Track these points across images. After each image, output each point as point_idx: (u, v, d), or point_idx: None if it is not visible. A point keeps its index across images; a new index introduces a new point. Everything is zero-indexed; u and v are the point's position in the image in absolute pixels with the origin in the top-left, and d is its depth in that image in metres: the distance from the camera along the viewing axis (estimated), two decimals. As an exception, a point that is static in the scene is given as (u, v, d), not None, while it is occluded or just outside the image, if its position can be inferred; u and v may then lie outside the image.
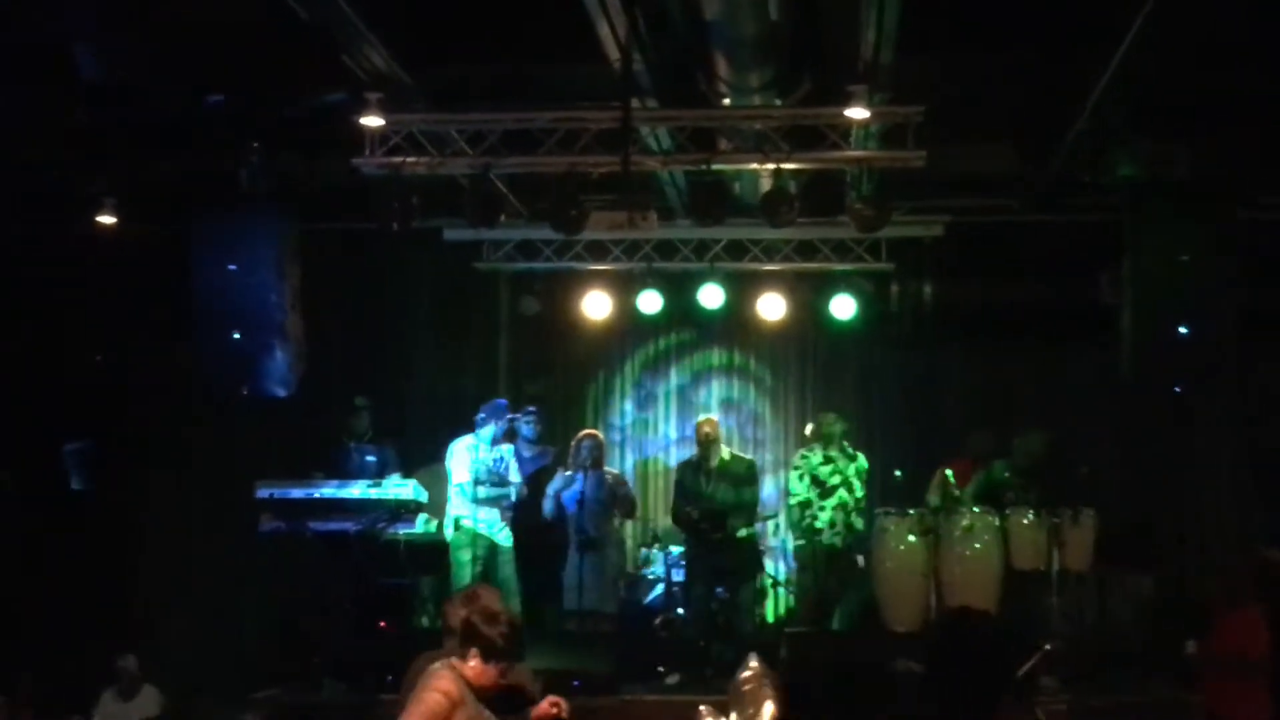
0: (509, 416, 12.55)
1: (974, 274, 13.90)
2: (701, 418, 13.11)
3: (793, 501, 12.74)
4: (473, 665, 6.17)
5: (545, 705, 6.76)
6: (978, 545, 11.78)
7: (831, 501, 12.53)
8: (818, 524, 12.52)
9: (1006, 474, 12.32)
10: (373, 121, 10.98)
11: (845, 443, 12.73)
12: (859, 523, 12.61)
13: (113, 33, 9.83)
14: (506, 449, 12.43)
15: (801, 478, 12.66)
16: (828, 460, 12.63)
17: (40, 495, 13.06)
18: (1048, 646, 6.65)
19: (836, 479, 12.55)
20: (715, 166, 11.30)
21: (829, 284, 14.10)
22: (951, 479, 12.18)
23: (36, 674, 11.56)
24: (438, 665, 6.22)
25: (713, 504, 12.21)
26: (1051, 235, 13.20)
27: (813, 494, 12.57)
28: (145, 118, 11.31)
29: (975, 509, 11.94)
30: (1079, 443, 13.38)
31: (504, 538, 12.29)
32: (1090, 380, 13.75)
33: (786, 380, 15.30)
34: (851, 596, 12.48)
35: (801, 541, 12.76)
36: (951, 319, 13.98)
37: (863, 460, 12.73)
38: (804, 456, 12.87)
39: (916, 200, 12.81)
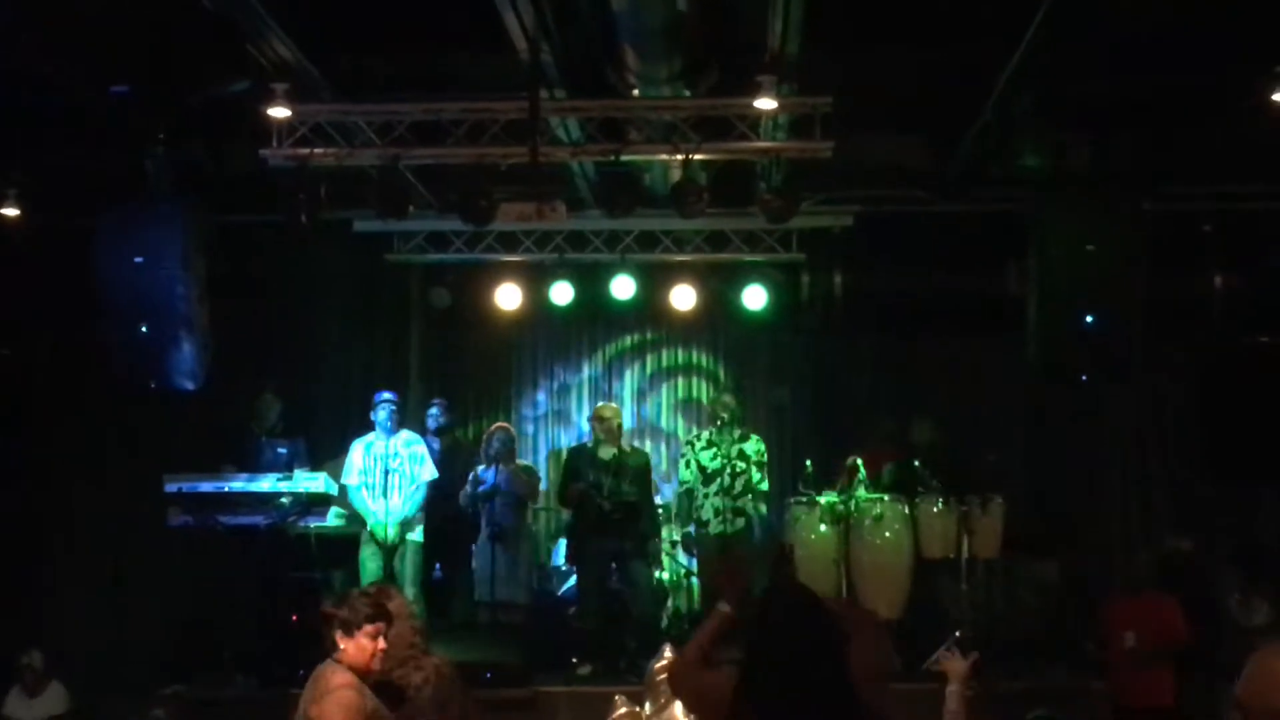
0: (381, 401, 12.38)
1: (883, 264, 13.98)
2: (601, 404, 13.08)
3: (680, 490, 12.70)
4: (344, 649, 6.22)
5: None
6: (888, 534, 11.88)
7: (714, 488, 12.41)
8: (703, 514, 12.47)
9: (917, 464, 12.42)
10: (279, 112, 10.91)
11: (734, 424, 12.65)
12: (755, 509, 12.47)
13: (13, 20, 9.69)
14: (406, 442, 12.31)
15: (688, 464, 12.59)
16: (710, 444, 12.57)
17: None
18: (958, 634, 6.68)
19: (719, 463, 12.44)
20: (625, 157, 11.33)
21: (740, 274, 14.16)
22: (861, 468, 12.24)
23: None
24: (322, 666, 6.26)
25: (605, 495, 12.08)
26: (959, 226, 13.29)
27: (697, 482, 12.53)
28: (48, 108, 11.17)
29: (885, 497, 12.02)
30: (987, 431, 13.52)
31: (408, 532, 12.18)
32: (998, 369, 13.87)
33: (698, 370, 15.35)
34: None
35: (688, 529, 12.76)
36: (861, 309, 14.05)
37: (755, 443, 12.60)
38: (688, 443, 12.89)
39: (826, 191, 12.88)
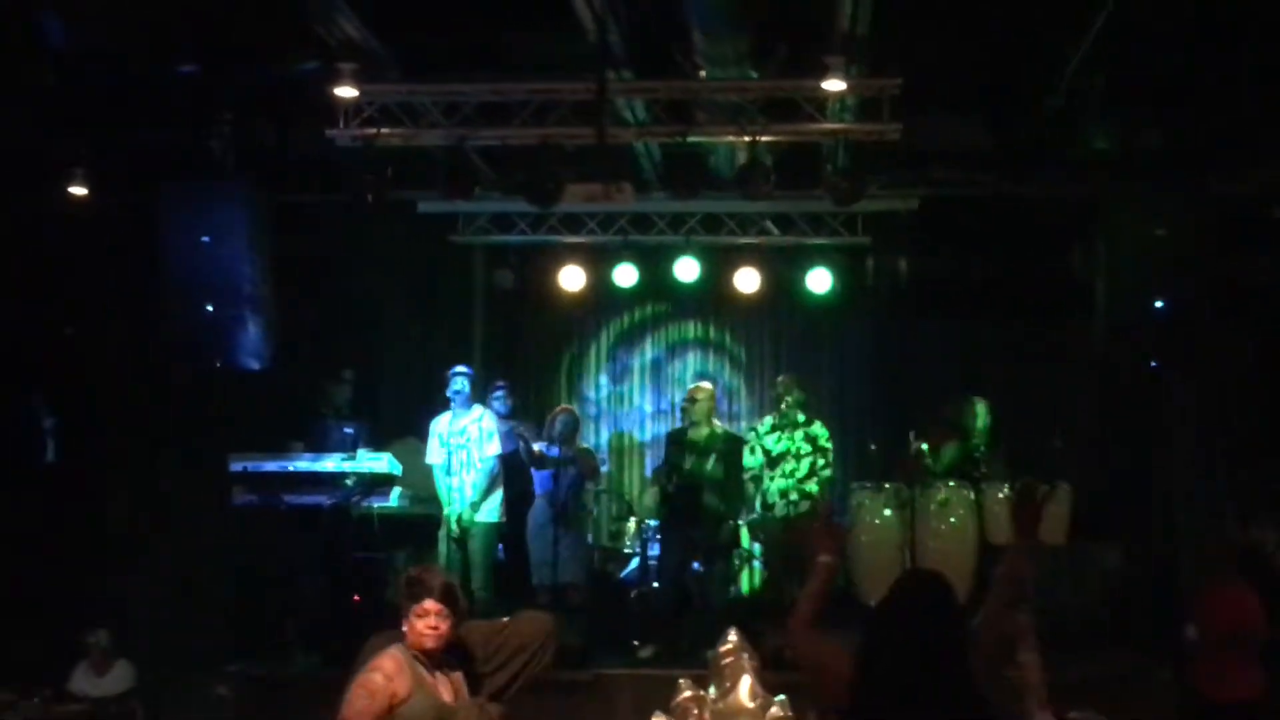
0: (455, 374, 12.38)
1: (949, 247, 13.90)
2: (693, 385, 12.99)
3: (747, 475, 12.64)
4: (404, 630, 6.28)
5: None
6: (953, 519, 11.80)
7: (779, 473, 12.39)
8: (769, 497, 12.44)
9: (981, 447, 12.33)
10: (346, 92, 10.94)
11: (798, 409, 12.59)
12: (819, 491, 12.35)
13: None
14: (477, 419, 12.30)
15: (753, 450, 12.55)
16: (775, 429, 12.53)
17: (12, 469, 12.96)
18: (1022, 617, 6.63)
19: (784, 447, 12.41)
20: (691, 139, 11.29)
21: (805, 257, 14.11)
22: (926, 452, 12.16)
23: (7, 650, 11.49)
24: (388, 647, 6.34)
25: (693, 477, 12.07)
26: (1027, 209, 13.17)
27: (762, 467, 12.49)
28: (116, 87, 11.22)
29: (950, 483, 11.95)
30: (1054, 416, 13.40)
31: (476, 514, 12.18)
32: (1065, 354, 13.75)
33: (761, 354, 15.30)
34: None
35: (754, 516, 12.72)
36: (927, 293, 13.98)
37: (819, 427, 12.56)
38: (753, 428, 12.84)
39: (892, 174, 12.78)
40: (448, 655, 6.42)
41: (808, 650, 5.47)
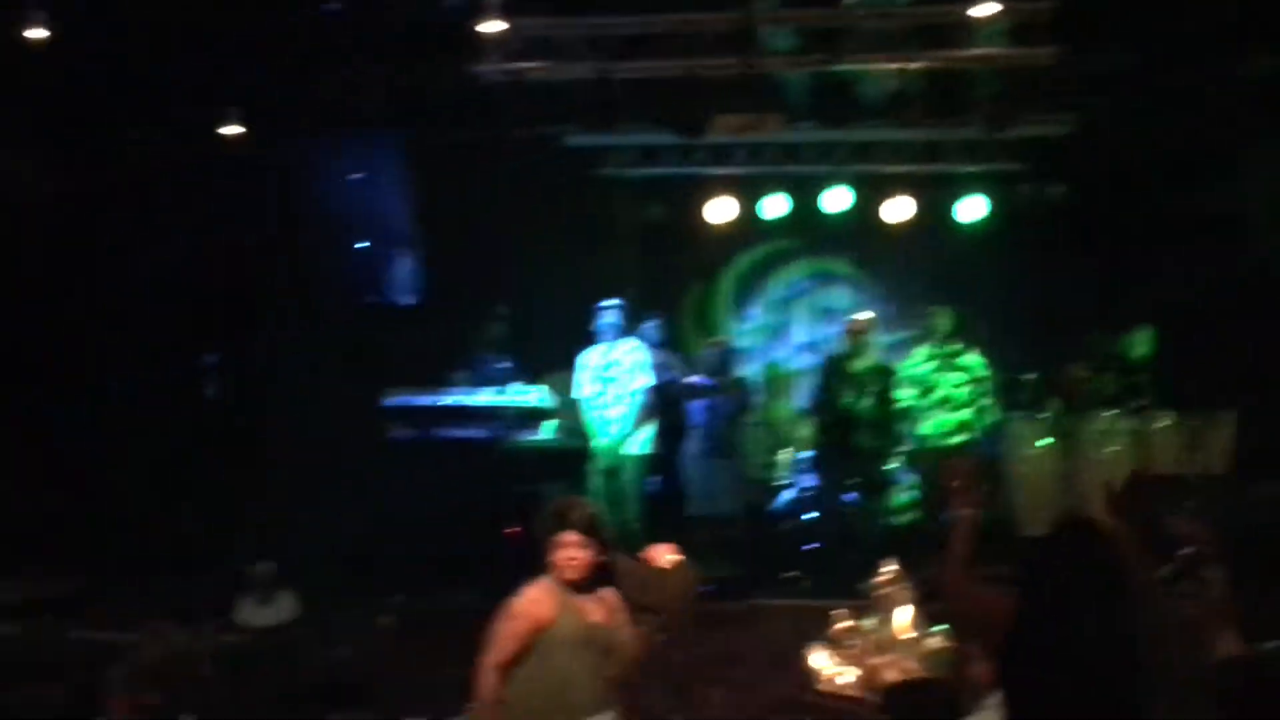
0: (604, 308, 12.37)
1: (1103, 175, 13.62)
2: (855, 315, 12.89)
3: (901, 406, 12.53)
4: (550, 561, 6.35)
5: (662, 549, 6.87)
6: (1112, 449, 11.63)
7: (932, 402, 12.29)
8: (923, 428, 12.37)
9: (1141, 376, 12.14)
10: (492, 27, 10.93)
11: (952, 339, 12.46)
12: (976, 423, 12.33)
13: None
14: (628, 351, 12.28)
15: (907, 381, 12.47)
16: (930, 359, 12.43)
17: (176, 406, 13.22)
18: (1190, 550, 6.51)
19: (938, 377, 12.32)
20: (839, 67, 11.16)
21: (956, 186, 13.94)
22: (1083, 382, 11.98)
23: (176, 582, 11.76)
24: None
25: (849, 409, 12.01)
26: (1181, 134, 12.88)
27: (916, 397, 12.40)
28: (266, 28, 11.32)
29: (1108, 412, 11.77)
30: (1215, 345, 13.12)
31: (627, 446, 12.20)
32: (1223, 280, 13.44)
33: (913, 284, 15.14)
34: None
35: (910, 447, 12.63)
36: (1081, 220, 13.72)
37: (974, 357, 12.44)
38: (907, 360, 12.73)
39: (1045, 100, 12.54)
40: (597, 583, 6.45)
41: (962, 604, 5.45)
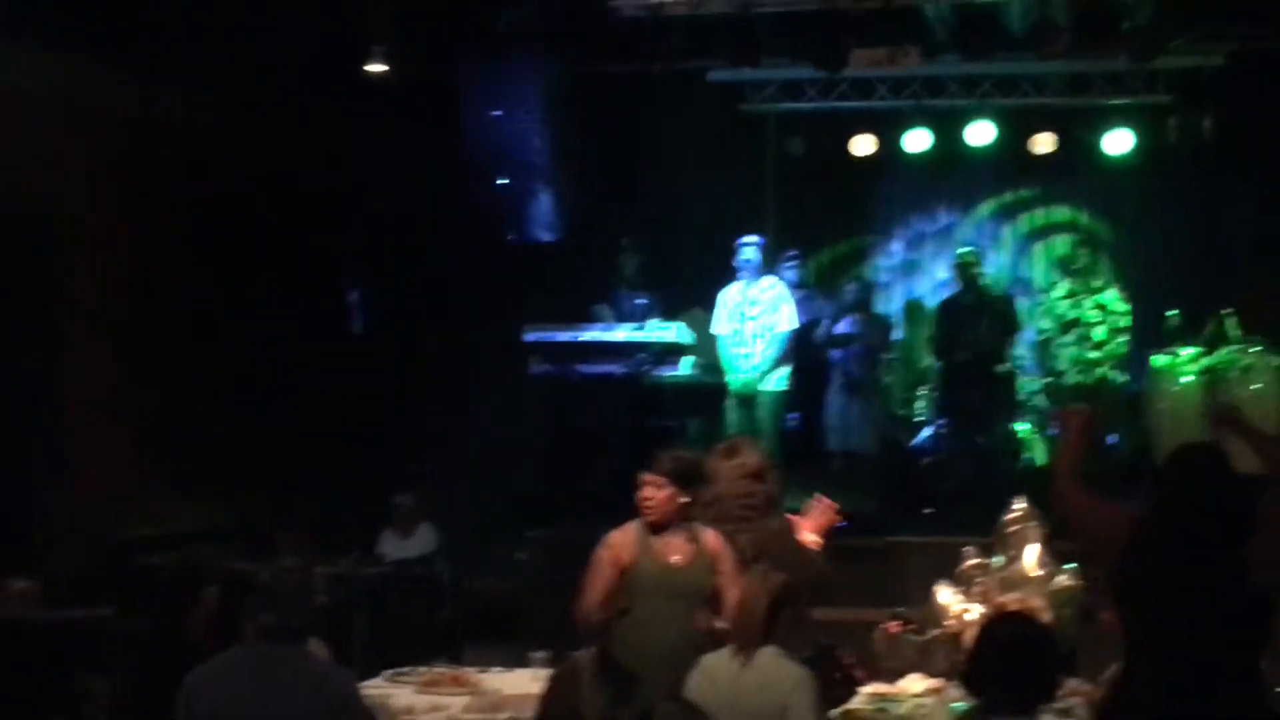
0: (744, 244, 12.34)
1: (1256, 106, 13.31)
2: (961, 250, 12.85)
3: (1037, 339, 12.46)
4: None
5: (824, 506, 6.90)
6: (1257, 386, 11.40)
7: (1070, 338, 12.19)
8: (1059, 364, 12.24)
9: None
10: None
11: (1092, 273, 12.29)
12: (1115, 360, 12.20)
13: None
14: (767, 287, 12.26)
15: (1046, 314, 12.39)
16: (1070, 294, 12.30)
17: (323, 339, 13.42)
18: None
19: (1075, 313, 12.19)
20: (981, -1, 11.04)
21: (1102, 119, 13.72)
22: (1230, 319, 11.77)
23: (320, 512, 11.98)
24: None
25: (970, 344, 11.95)
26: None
27: (1055, 331, 12.29)
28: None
29: (1255, 348, 11.55)
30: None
31: (764, 382, 12.19)
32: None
33: (1058, 218, 14.95)
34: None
35: (1049, 379, 12.53)
36: (1233, 152, 13.43)
37: (1111, 293, 12.30)
38: (1046, 292, 12.62)
39: (1195, 29, 12.28)
40: (686, 525, 6.48)
41: (1076, 504, 5.43)
